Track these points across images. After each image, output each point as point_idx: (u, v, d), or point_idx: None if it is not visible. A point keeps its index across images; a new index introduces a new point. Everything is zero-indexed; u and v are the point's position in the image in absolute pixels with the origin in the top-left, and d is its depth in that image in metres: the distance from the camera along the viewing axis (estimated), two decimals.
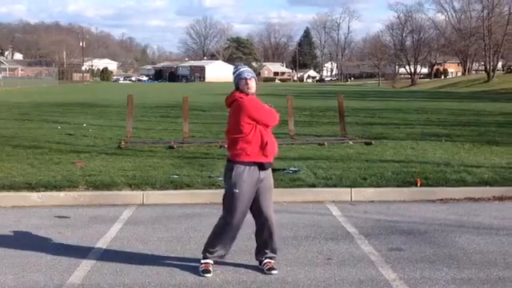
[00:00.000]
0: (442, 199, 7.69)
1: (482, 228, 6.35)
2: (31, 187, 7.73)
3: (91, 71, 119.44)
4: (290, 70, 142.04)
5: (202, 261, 4.89)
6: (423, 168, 9.10)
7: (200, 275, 4.79)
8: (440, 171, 8.83)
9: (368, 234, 6.06)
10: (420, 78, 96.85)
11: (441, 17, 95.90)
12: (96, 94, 43.95)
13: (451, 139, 13.27)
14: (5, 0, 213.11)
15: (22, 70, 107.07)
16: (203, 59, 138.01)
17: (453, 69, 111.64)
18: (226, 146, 4.89)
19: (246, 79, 4.74)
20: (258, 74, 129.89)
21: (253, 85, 4.75)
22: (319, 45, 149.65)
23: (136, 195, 7.59)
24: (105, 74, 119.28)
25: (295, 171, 8.76)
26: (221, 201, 4.93)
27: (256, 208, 4.84)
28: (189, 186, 7.88)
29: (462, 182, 8.15)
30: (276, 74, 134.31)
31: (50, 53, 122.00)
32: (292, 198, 7.64)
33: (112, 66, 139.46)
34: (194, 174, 8.59)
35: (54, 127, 15.82)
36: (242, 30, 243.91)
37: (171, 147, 11.61)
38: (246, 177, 4.68)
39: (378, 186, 7.99)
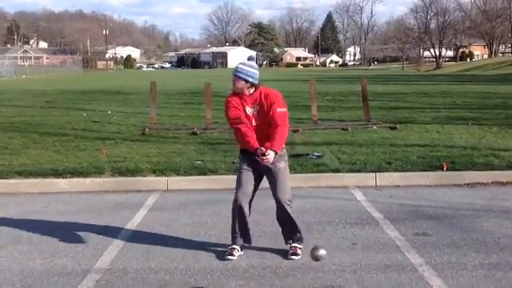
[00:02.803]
0: (468, 183, 7.58)
1: (510, 212, 6.25)
2: (58, 174, 7.83)
3: (115, 59, 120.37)
4: (313, 55, 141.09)
5: (230, 246, 4.95)
6: (449, 152, 8.98)
7: (225, 259, 4.81)
8: (467, 155, 8.69)
9: (393, 219, 6.00)
10: (445, 61, 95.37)
11: None
12: (120, 81, 44.26)
13: (478, 122, 13.05)
14: None
15: (47, 59, 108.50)
16: (225, 45, 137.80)
17: (479, 51, 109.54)
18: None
19: (233, 77, 4.81)
20: (281, 60, 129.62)
21: (237, 85, 4.77)
22: (342, 29, 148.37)
23: (160, 181, 7.64)
24: (128, 61, 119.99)
25: (319, 156, 8.72)
26: None
27: (271, 192, 4.93)
28: (212, 172, 7.90)
29: (490, 166, 8.01)
30: (298, 59, 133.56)
31: (74, 41, 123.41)
32: (316, 183, 7.61)
33: (135, 53, 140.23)
34: (217, 159, 8.61)
35: (80, 114, 15.99)
36: (263, 15, 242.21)
37: (194, 133, 11.65)
38: (243, 159, 4.95)
39: (403, 171, 7.91)
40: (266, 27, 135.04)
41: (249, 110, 4.79)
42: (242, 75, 4.72)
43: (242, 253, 4.94)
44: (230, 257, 4.84)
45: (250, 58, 4.94)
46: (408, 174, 7.83)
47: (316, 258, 4.43)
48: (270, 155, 4.63)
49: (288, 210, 4.88)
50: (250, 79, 4.71)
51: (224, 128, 12.49)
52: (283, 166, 4.88)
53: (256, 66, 4.83)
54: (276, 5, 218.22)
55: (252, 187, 4.91)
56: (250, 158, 4.81)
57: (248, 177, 4.88)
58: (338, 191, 7.32)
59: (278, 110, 4.72)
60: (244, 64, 4.78)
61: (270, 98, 4.75)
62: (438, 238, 5.36)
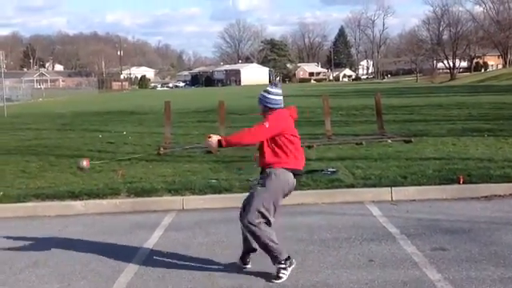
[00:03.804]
0: (486, 196, 7.50)
1: None
2: (74, 196, 7.90)
3: (129, 79, 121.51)
4: (326, 70, 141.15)
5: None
6: (466, 164, 8.90)
7: (241, 280, 4.80)
8: (483, 167, 8.61)
9: (410, 234, 5.95)
10: (459, 72, 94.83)
11: (478, 9, 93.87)
12: (134, 101, 44.66)
13: (494, 134, 12.93)
14: (46, 13, 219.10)
15: (62, 81, 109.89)
16: (238, 63, 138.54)
17: (493, 61, 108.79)
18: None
19: None
20: (294, 75, 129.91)
21: (259, 107, 5.08)
22: (354, 43, 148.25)
23: (176, 201, 7.67)
24: (143, 81, 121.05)
25: (333, 172, 8.69)
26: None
27: None
28: (227, 190, 7.92)
29: (507, 178, 7.92)
30: (311, 74, 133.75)
31: (90, 63, 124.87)
32: (331, 199, 7.58)
33: (149, 73, 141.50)
34: (231, 177, 8.63)
35: (95, 136, 16.15)
36: (275, 31, 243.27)
37: (209, 152, 11.68)
38: None
39: (419, 185, 7.85)
40: (279, 43, 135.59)
41: None
42: (260, 100, 5.04)
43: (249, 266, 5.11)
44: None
45: (274, 85, 5.13)
46: (424, 187, 7.77)
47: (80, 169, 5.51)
48: (212, 140, 4.80)
49: (250, 231, 4.78)
50: (268, 104, 4.98)
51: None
52: (260, 187, 4.83)
53: (278, 91, 5.01)
54: (288, 21, 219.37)
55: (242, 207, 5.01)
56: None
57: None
58: (353, 207, 7.29)
59: (263, 122, 4.87)
60: (268, 92, 5.02)
61: (267, 115, 4.94)
62: (456, 253, 5.30)
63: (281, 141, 4.83)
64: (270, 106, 4.96)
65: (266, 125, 4.80)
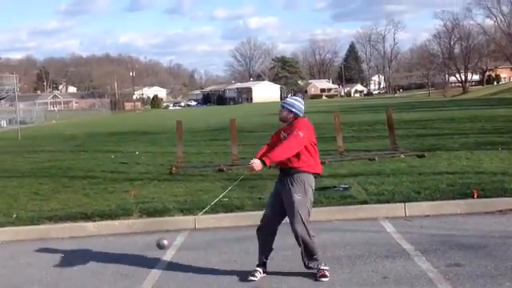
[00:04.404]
0: (500, 210, 7.40)
1: None
2: (87, 217, 7.92)
3: (142, 99, 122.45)
4: (337, 86, 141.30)
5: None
6: (479, 178, 8.81)
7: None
8: (497, 181, 8.51)
9: (425, 250, 5.88)
10: (472, 86, 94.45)
11: (489, 22, 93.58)
12: (147, 121, 44.95)
13: (508, 147, 12.80)
14: (59, 36, 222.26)
15: (76, 103, 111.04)
16: (249, 81, 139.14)
17: (505, 74, 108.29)
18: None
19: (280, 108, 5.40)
20: (305, 92, 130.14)
21: (281, 114, 5.34)
22: (365, 58, 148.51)
23: (188, 220, 7.66)
24: (155, 101, 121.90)
25: (346, 188, 8.64)
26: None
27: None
28: (239, 209, 7.89)
29: None
30: (323, 90, 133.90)
31: (102, 84, 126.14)
32: (344, 216, 7.53)
33: (161, 93, 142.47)
34: (244, 196, 8.61)
35: (108, 156, 16.22)
36: (286, 48, 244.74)
37: (221, 170, 11.70)
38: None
39: (433, 200, 7.77)
40: (290, 60, 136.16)
41: (282, 135, 5.27)
42: (286, 105, 5.27)
43: (263, 275, 5.29)
44: (250, 277, 5.23)
45: (295, 94, 5.33)
46: (438, 202, 7.69)
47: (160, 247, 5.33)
48: (255, 163, 4.97)
49: (304, 242, 5.10)
50: (293, 109, 5.20)
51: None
52: (299, 198, 5.08)
53: (301, 100, 5.30)
54: (299, 38, 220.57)
55: (271, 211, 5.27)
56: (277, 182, 5.30)
57: (269, 200, 5.41)
58: (366, 223, 7.23)
59: (295, 132, 5.03)
60: (291, 98, 5.32)
61: (294, 125, 5.13)
62: (471, 269, 5.22)
63: (306, 146, 5.08)
64: (297, 112, 5.20)
65: (301, 134, 5.01)
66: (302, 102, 5.28)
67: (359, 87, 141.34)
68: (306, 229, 5.06)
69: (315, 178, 5.24)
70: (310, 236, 5.09)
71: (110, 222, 7.72)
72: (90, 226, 7.65)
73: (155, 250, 6.53)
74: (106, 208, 8.29)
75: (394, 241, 6.36)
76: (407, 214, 7.52)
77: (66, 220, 7.89)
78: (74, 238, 7.45)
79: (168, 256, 6.30)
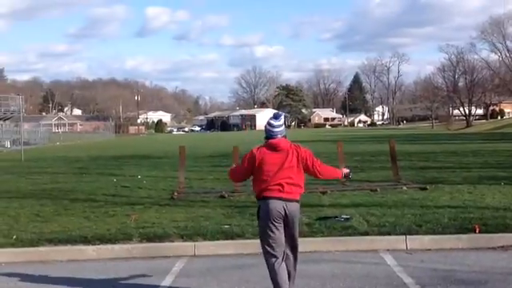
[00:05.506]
0: (502, 246, 7.35)
1: None
2: (87, 241, 7.89)
3: (146, 123, 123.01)
4: (341, 116, 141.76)
5: None
6: (482, 213, 8.77)
7: None
8: (500, 216, 8.47)
9: (425, 285, 5.83)
10: (476, 120, 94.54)
11: (494, 57, 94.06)
12: (150, 145, 45.04)
13: (511, 182, 12.77)
14: (67, 59, 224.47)
15: (80, 125, 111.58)
16: (253, 108, 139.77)
17: (509, 109, 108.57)
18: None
19: None
20: (309, 120, 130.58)
21: None
22: (369, 89, 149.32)
23: (187, 246, 7.62)
24: (159, 126, 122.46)
25: (347, 219, 8.61)
26: None
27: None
28: (239, 236, 7.86)
29: None
30: (326, 119, 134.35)
31: (107, 107, 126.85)
32: (344, 247, 7.48)
33: (166, 117, 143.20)
34: (244, 223, 8.58)
35: (110, 180, 16.22)
36: (291, 77, 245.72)
37: (222, 196, 11.68)
38: None
39: (435, 234, 7.73)
40: (294, 89, 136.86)
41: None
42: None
43: None
44: None
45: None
46: (439, 236, 7.65)
47: None
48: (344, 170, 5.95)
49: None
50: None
51: (252, 191, 12.49)
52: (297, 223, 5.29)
53: (271, 121, 5.40)
54: (304, 67, 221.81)
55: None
56: None
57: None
58: (367, 255, 7.18)
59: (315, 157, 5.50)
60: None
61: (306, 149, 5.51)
62: None
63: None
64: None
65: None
66: (270, 123, 5.31)
67: (363, 117, 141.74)
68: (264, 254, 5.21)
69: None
70: (267, 263, 5.19)
71: (109, 246, 7.69)
72: (90, 250, 7.61)
73: (154, 276, 6.51)
74: (106, 232, 8.26)
75: (394, 274, 6.32)
76: (408, 247, 7.47)
77: (66, 243, 7.85)
78: (73, 261, 7.41)
79: (167, 282, 6.26)
